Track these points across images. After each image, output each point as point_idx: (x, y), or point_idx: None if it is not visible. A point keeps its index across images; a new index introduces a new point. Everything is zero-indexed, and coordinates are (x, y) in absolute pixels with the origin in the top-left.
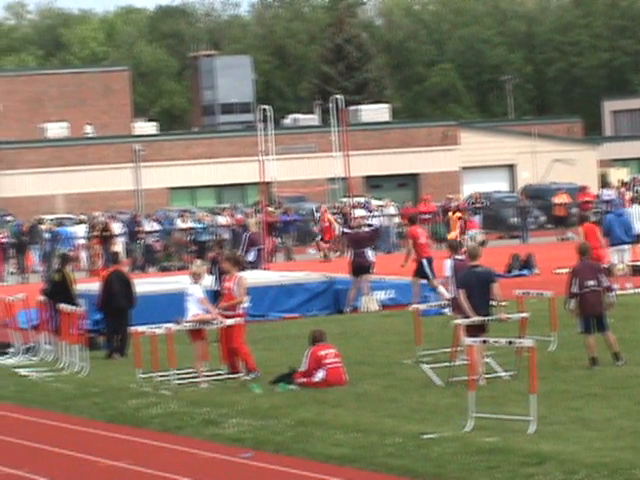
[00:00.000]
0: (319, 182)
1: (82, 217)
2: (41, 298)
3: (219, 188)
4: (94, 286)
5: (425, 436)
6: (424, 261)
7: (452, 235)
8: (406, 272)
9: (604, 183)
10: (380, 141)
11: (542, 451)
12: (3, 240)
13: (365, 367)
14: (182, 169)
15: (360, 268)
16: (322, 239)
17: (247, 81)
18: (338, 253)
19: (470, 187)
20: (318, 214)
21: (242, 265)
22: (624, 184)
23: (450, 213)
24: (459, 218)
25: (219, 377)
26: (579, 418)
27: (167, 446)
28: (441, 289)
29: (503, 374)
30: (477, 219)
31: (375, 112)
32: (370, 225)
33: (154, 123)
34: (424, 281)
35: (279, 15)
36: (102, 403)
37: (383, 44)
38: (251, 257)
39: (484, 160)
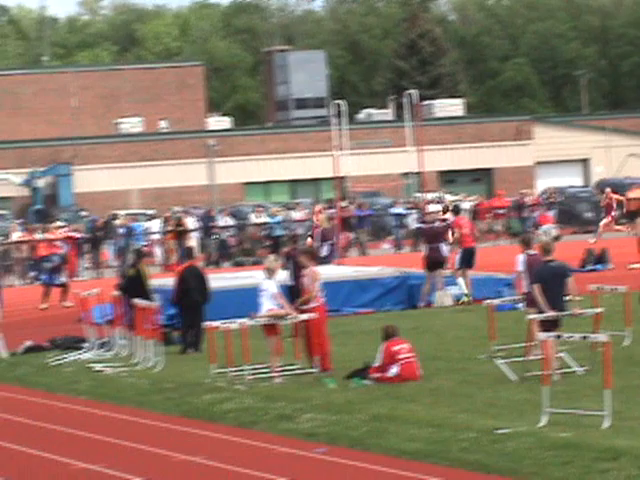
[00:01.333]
0: (393, 177)
1: (156, 212)
2: (116, 293)
3: (293, 183)
4: (168, 281)
5: (499, 431)
6: (462, 251)
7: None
8: (481, 267)
9: None
10: (454, 136)
11: (616, 446)
12: (78, 235)
13: (439, 362)
14: (256, 164)
15: (434, 263)
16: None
17: (321, 76)
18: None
19: (544, 182)
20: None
21: (317, 259)
22: None
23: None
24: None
25: (293, 372)
26: None
27: (241, 441)
28: (460, 281)
29: (577, 369)
30: (551, 214)
31: (449, 107)
32: (444, 220)
33: (228, 118)
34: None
35: (353, 10)
36: (176, 398)
37: (457, 39)
38: (324, 252)
39: (558, 155)
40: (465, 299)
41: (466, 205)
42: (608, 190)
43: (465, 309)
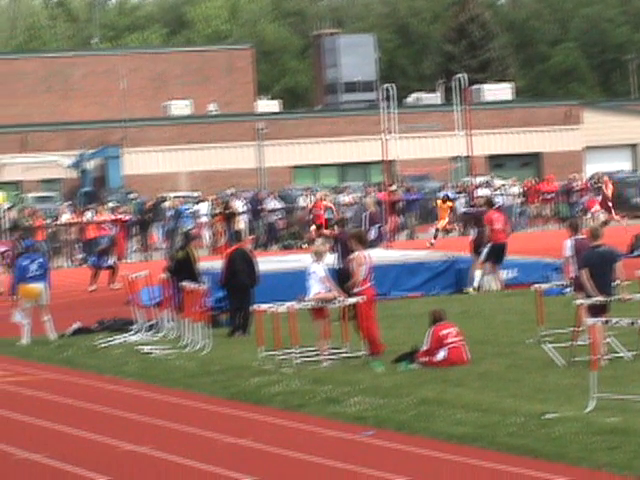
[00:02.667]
0: (441, 161)
1: (200, 195)
2: (164, 275)
3: (342, 167)
4: (217, 264)
5: (547, 416)
6: (491, 246)
7: (442, 224)
8: (529, 251)
9: None
10: (503, 120)
11: None
12: (126, 218)
13: (487, 346)
14: (305, 147)
15: (482, 247)
16: (316, 225)
17: (370, 59)
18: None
19: (593, 167)
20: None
21: (366, 243)
22: None
23: (439, 201)
24: (450, 207)
25: (341, 355)
26: None
27: (289, 424)
28: (477, 273)
29: (625, 354)
30: (599, 199)
31: (498, 91)
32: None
33: (277, 101)
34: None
35: None
36: (224, 381)
37: (506, 23)
38: (372, 236)
39: (607, 140)
40: (470, 290)
41: (515, 189)
42: (606, 178)
43: (512, 293)
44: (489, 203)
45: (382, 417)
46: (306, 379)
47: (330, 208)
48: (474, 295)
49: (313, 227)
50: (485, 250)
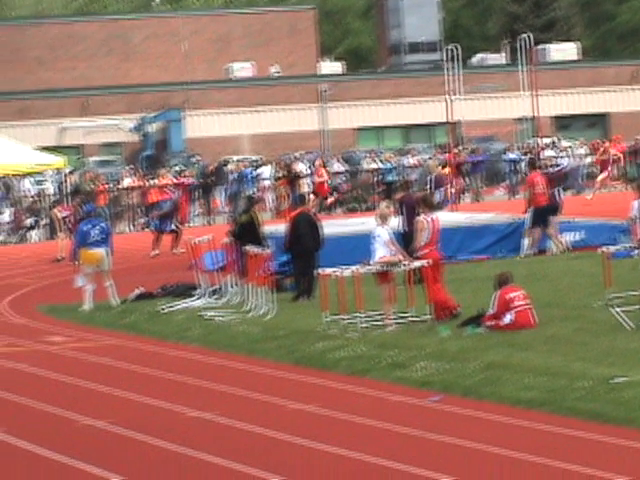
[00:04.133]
0: (507, 122)
1: (261, 158)
2: (227, 240)
3: (406, 128)
4: (280, 228)
5: (615, 380)
6: (533, 210)
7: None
8: (595, 213)
9: None
10: (568, 80)
11: None
12: (189, 181)
13: (554, 310)
14: (368, 109)
15: (549, 209)
16: (315, 194)
17: (434, 20)
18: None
19: None
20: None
21: (433, 206)
22: None
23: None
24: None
25: (406, 320)
26: None
27: (354, 389)
28: (526, 242)
29: None
30: None
31: (563, 51)
32: (558, 165)
33: (340, 63)
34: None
35: None
36: (289, 346)
37: None
38: (437, 199)
39: None
40: (517, 258)
41: (581, 150)
42: (607, 144)
43: (579, 256)
44: (532, 165)
45: (448, 382)
46: (371, 344)
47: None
48: (540, 258)
49: (312, 196)
50: (529, 216)
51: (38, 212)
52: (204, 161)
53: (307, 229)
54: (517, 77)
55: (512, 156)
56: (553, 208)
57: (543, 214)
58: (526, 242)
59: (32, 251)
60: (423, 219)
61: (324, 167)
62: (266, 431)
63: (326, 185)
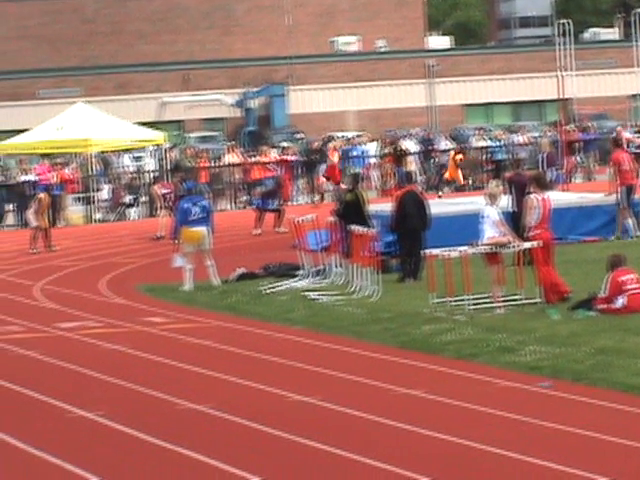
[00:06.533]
0: (620, 99)
1: (362, 134)
2: (332, 219)
3: (515, 105)
4: (386, 207)
5: None
6: (623, 189)
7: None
8: None
9: None
10: None
11: None
12: (292, 158)
13: None
14: (477, 85)
15: None
16: (326, 177)
17: None
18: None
19: None
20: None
21: (545, 186)
22: None
23: (452, 153)
24: (461, 160)
25: (516, 302)
26: None
27: (462, 374)
28: (629, 222)
29: None
30: None
31: None
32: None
33: (448, 37)
34: None
35: None
36: (394, 328)
37: None
38: (549, 178)
39: None
40: (613, 238)
41: None
42: (619, 128)
43: None
44: (616, 142)
45: (558, 367)
46: (479, 327)
47: (341, 158)
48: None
49: (323, 179)
50: (621, 195)
51: (137, 189)
52: (308, 137)
53: (414, 208)
54: (631, 53)
55: (625, 134)
56: (631, 189)
57: (629, 192)
58: (630, 222)
59: (131, 229)
60: (534, 197)
61: (335, 150)
62: (370, 416)
63: (337, 169)
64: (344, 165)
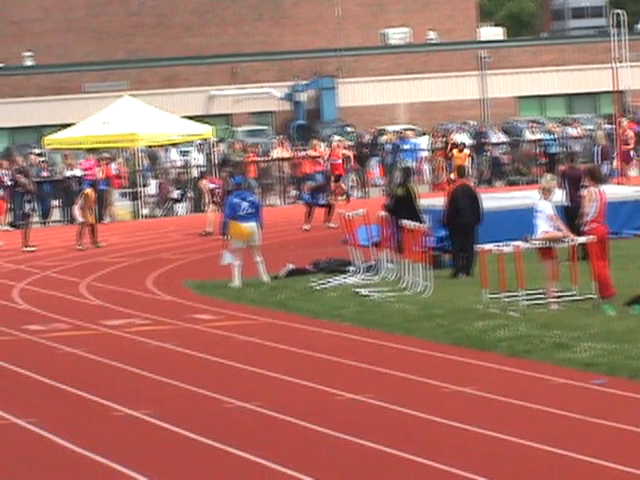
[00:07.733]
0: None
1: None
2: (383, 213)
3: (569, 97)
4: (438, 201)
5: None
6: None
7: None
8: None
9: None
10: None
11: None
12: (348, 153)
13: None
14: (530, 77)
15: None
16: (336, 180)
17: None
18: (344, 196)
19: None
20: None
21: (600, 179)
22: None
23: (455, 150)
24: (468, 155)
25: (570, 298)
26: None
27: (515, 371)
28: None
29: None
30: None
31: None
32: None
33: (501, 28)
34: None
35: None
36: (447, 325)
37: None
38: (604, 171)
39: None
40: None
41: None
42: (625, 122)
43: None
44: None
45: (615, 364)
46: (533, 323)
47: (348, 157)
48: None
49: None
50: None
51: (185, 184)
52: (358, 131)
53: (466, 203)
54: None
55: None
56: None
57: None
58: None
59: (178, 225)
60: (593, 191)
61: (340, 147)
62: (422, 414)
63: (340, 168)
64: (396, 159)
